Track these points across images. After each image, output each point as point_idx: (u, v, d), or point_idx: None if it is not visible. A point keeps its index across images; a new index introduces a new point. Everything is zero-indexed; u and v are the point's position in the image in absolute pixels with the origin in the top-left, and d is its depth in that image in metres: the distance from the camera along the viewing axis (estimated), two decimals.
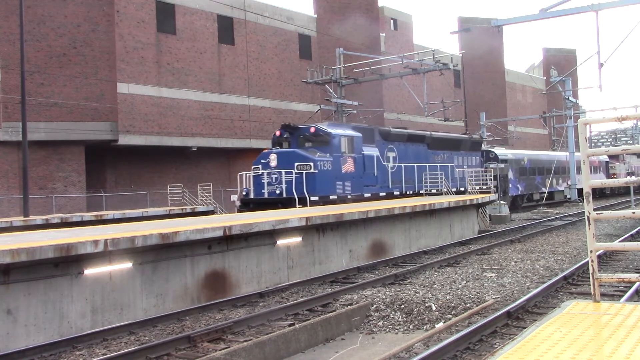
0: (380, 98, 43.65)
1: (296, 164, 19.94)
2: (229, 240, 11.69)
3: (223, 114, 35.97)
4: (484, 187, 28.12)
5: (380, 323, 9.11)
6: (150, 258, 10.27)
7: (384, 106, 43.06)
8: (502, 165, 34.70)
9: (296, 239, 13.39)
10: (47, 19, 30.15)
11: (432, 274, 13.03)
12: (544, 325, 4.50)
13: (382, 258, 15.85)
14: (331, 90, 31.10)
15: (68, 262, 8.96)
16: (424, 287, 11.34)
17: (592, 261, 5.11)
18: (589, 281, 5.34)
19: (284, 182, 19.64)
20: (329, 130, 21.69)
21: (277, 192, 19.78)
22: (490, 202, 25.09)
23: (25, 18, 23.79)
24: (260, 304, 10.76)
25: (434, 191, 26.19)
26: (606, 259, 14.08)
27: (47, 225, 21.21)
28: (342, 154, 21.70)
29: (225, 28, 36.71)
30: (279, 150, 21.38)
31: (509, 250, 16.67)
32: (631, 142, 78.44)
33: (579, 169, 40.55)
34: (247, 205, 20.33)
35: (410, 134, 26.90)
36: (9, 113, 28.67)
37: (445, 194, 25.77)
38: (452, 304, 9.66)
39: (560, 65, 65.63)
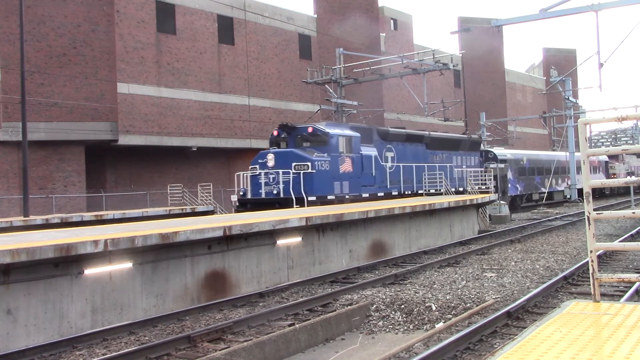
0: (380, 98, 43.65)
1: (294, 164, 19.82)
2: (229, 240, 11.69)
3: (223, 114, 35.97)
4: (483, 187, 28.11)
5: (380, 323, 9.11)
6: (150, 258, 10.27)
7: (384, 106, 43.06)
8: (502, 165, 34.69)
9: (296, 239, 13.39)
10: (47, 19, 30.15)
11: (432, 274, 13.03)
12: (544, 325, 4.50)
13: (382, 258, 15.85)
14: (331, 90, 31.09)
15: (68, 262, 8.96)
16: (424, 287, 11.34)
17: (592, 261, 5.11)
18: (589, 281, 5.34)
19: (281, 182, 19.52)
20: (327, 130, 21.58)
21: (275, 192, 19.66)
22: (490, 202, 25.08)
23: (25, 18, 23.79)
24: (260, 304, 10.76)
25: (432, 191, 26.17)
26: (606, 259, 14.08)
27: (47, 225, 21.20)
28: (340, 153, 21.58)
29: (225, 28, 36.72)
30: (277, 150, 21.26)
31: (509, 250, 16.67)
32: (631, 142, 78.44)
33: (579, 169, 40.57)
34: (245, 205, 20.22)
35: (409, 133, 26.84)
36: (9, 113, 28.68)
37: (445, 194, 25.77)
38: (452, 304, 9.66)
39: (560, 65, 65.63)
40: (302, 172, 19.67)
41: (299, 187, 19.46)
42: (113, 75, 30.96)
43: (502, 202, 28.98)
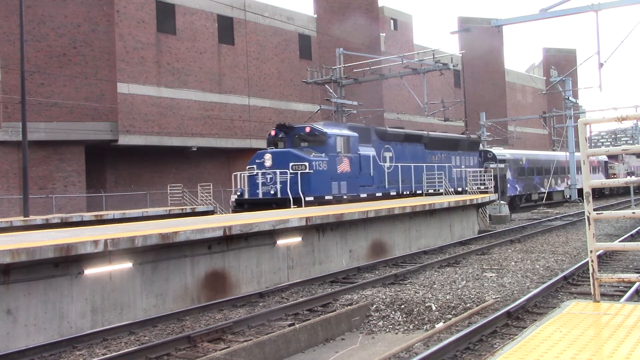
0: (380, 98, 43.65)
1: (291, 164, 19.67)
2: (229, 240, 11.69)
3: (223, 114, 35.97)
4: (482, 187, 28.09)
5: (380, 323, 9.11)
6: (150, 258, 10.28)
7: (384, 106, 43.05)
8: (502, 166, 34.69)
9: (296, 239, 13.39)
10: (47, 19, 30.15)
11: (432, 274, 13.03)
12: (544, 325, 4.51)
13: (382, 258, 15.85)
14: (331, 90, 31.09)
15: (68, 262, 8.96)
16: (424, 287, 11.34)
17: (592, 261, 5.11)
18: (589, 281, 5.34)
19: (278, 183, 19.38)
20: (325, 129, 21.43)
21: (272, 192, 19.51)
22: (490, 202, 25.06)
23: (25, 18, 23.79)
24: (260, 304, 10.76)
25: (430, 191, 26.14)
26: (606, 259, 14.08)
27: (47, 225, 21.20)
28: (337, 153, 21.43)
29: (225, 28, 36.72)
30: (274, 150, 21.12)
31: (509, 250, 16.67)
32: (631, 142, 78.45)
33: (579, 169, 40.55)
34: (242, 205, 20.07)
35: (407, 133, 26.74)
36: (9, 113, 28.68)
37: (444, 194, 25.76)
38: (452, 304, 9.67)
39: (560, 65, 65.62)
40: (299, 172, 19.52)
41: (296, 188, 19.31)
42: (113, 75, 30.96)
43: (502, 202, 28.97)
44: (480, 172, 29.72)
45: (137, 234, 9.94)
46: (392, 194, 24.24)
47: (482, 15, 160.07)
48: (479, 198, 23.07)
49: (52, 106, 29.72)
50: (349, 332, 8.93)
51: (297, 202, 19.07)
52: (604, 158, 53.80)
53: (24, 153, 23.18)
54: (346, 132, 22.42)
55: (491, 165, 32.57)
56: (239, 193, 20.52)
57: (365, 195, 22.56)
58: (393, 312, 9.43)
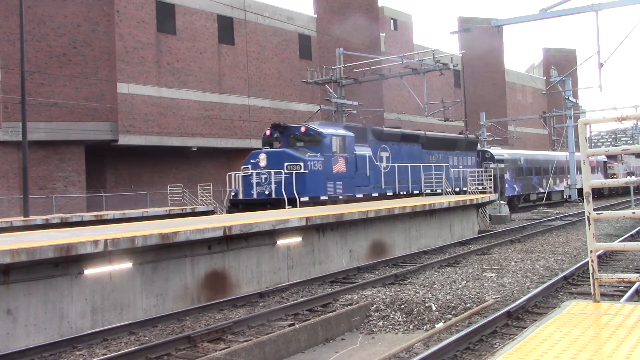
0: (380, 98, 43.65)
1: (286, 164, 19.50)
2: (229, 240, 11.69)
3: (223, 114, 35.98)
4: (480, 187, 28.06)
5: (380, 323, 9.11)
6: (150, 258, 10.28)
7: (384, 106, 43.06)
8: (502, 166, 34.68)
9: (296, 239, 13.40)
10: (47, 19, 30.15)
11: (432, 274, 13.03)
12: (544, 325, 4.51)
13: (382, 258, 15.85)
14: (331, 90, 31.08)
15: (68, 262, 8.96)
16: (424, 287, 11.34)
17: (592, 261, 5.12)
18: (589, 281, 5.34)
19: (273, 183, 19.20)
20: (320, 129, 21.28)
21: (266, 192, 19.34)
22: (490, 202, 25.04)
23: (25, 18, 23.79)
24: (260, 304, 10.77)
25: (428, 191, 26.10)
26: (606, 259, 14.09)
27: (47, 225, 21.20)
28: (333, 153, 21.26)
29: (225, 28, 36.72)
30: (269, 150, 20.95)
31: (509, 250, 16.68)
32: (631, 142, 78.45)
33: (578, 169, 40.53)
34: (237, 206, 19.91)
35: (404, 133, 26.60)
36: (9, 113, 28.68)
37: (444, 194, 25.75)
38: (452, 304, 9.67)
39: (560, 65, 65.63)
40: (294, 172, 19.35)
41: (291, 188, 19.15)
42: (113, 75, 30.97)
43: (502, 202, 28.96)
44: (479, 172, 29.70)
45: (137, 234, 9.94)
46: (388, 194, 24.09)
47: (482, 15, 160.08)
48: (479, 198, 23.05)
49: (52, 106, 29.72)
50: (349, 332, 8.93)
51: (292, 203, 18.85)
52: (603, 158, 53.79)
53: (24, 153, 23.19)
54: (342, 131, 22.27)
55: (491, 165, 32.55)
56: (233, 193, 20.39)
57: (361, 195, 22.36)
58: (393, 312, 9.43)
